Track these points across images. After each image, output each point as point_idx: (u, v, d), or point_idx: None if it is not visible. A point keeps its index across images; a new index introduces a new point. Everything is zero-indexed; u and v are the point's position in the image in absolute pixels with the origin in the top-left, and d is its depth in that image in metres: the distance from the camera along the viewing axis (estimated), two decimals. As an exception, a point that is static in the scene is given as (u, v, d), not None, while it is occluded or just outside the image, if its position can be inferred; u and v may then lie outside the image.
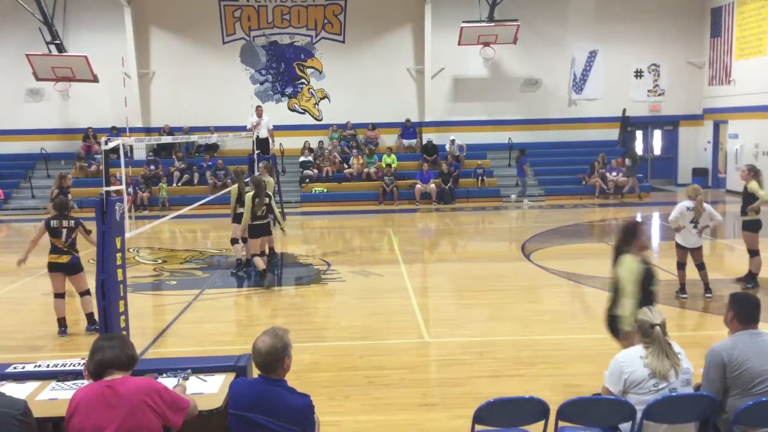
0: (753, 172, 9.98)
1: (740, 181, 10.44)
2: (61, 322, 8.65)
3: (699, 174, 24.11)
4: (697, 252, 9.54)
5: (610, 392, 4.39)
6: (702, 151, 24.55)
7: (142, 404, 3.55)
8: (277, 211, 11.99)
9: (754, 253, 10.11)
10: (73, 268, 8.56)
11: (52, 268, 8.54)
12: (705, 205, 9.37)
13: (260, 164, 13.35)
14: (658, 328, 4.32)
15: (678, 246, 9.63)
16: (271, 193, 12.24)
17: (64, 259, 8.48)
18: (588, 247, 14.65)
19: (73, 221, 8.52)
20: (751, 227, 10.08)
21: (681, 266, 9.71)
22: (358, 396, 6.47)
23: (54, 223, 8.48)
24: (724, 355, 4.31)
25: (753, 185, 9.90)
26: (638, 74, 24.45)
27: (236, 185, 11.56)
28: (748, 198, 9.97)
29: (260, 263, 11.04)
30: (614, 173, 21.91)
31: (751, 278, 10.18)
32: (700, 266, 9.61)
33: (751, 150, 21.30)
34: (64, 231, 8.47)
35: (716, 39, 23.41)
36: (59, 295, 8.63)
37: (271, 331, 3.95)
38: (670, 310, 9.08)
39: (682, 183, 24.24)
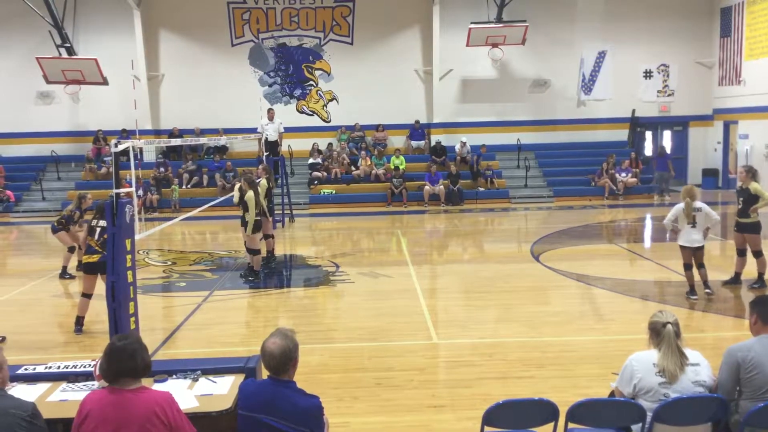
0: (751, 173, 10.04)
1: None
2: (80, 321, 8.79)
3: (709, 174, 24.00)
4: (699, 252, 9.57)
5: (621, 393, 4.38)
6: (712, 151, 24.44)
7: (154, 417, 3.53)
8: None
9: (758, 254, 10.12)
10: (104, 267, 8.63)
11: (86, 269, 8.79)
12: (700, 204, 9.50)
13: (259, 166, 13.38)
14: (669, 326, 4.30)
15: (681, 247, 9.69)
16: (262, 196, 12.23)
17: (95, 258, 8.64)
18: (597, 248, 14.59)
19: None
20: (753, 229, 10.08)
21: (687, 267, 9.72)
22: (367, 397, 6.47)
23: (93, 222, 8.78)
24: (739, 356, 4.30)
25: (755, 186, 9.92)
26: (647, 74, 24.36)
27: (251, 191, 11.49)
28: (751, 199, 9.95)
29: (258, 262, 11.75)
30: (624, 174, 21.83)
31: (759, 279, 10.18)
32: (700, 266, 9.65)
33: (762, 150, 21.18)
34: (98, 230, 8.67)
35: (726, 39, 23.30)
36: (87, 296, 8.81)
37: (280, 332, 3.95)
38: (678, 311, 9.04)
39: (692, 184, 24.12)
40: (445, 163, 22.59)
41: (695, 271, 9.68)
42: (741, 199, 10.11)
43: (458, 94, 24.26)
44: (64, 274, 11.96)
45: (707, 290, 9.69)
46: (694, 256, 9.60)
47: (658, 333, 4.34)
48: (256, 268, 11.72)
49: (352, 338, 8.39)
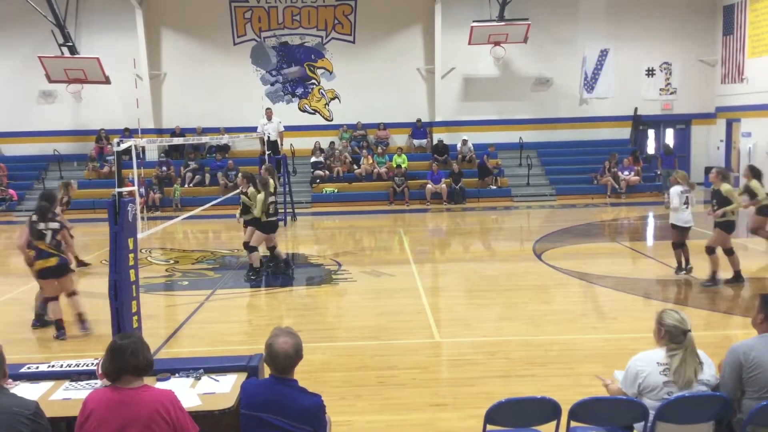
0: (721, 175, 10.30)
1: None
2: (60, 323, 8.58)
3: (759, 174, 23.86)
4: (688, 231, 10.64)
5: (624, 394, 4.37)
6: (715, 149, 24.38)
7: (157, 416, 3.54)
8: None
9: (711, 250, 10.24)
10: (63, 269, 8.57)
11: (44, 273, 8.55)
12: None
13: (263, 167, 13.45)
14: (691, 334, 4.25)
15: (676, 227, 10.63)
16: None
17: (53, 261, 8.50)
18: (599, 246, 14.58)
19: (57, 224, 8.61)
20: (726, 227, 10.15)
21: (678, 246, 10.77)
22: (369, 396, 6.47)
23: (41, 226, 8.53)
24: (741, 355, 4.27)
25: (726, 188, 10.10)
26: (650, 72, 24.32)
27: (252, 190, 11.57)
28: (723, 201, 10.06)
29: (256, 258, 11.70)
30: (626, 172, 21.80)
31: (737, 277, 10.28)
32: (684, 243, 10.74)
33: (764, 148, 21.13)
34: (50, 233, 8.52)
35: (728, 37, 23.25)
36: (54, 299, 8.63)
37: (285, 332, 3.96)
38: (681, 309, 9.03)
39: (695, 182, 24.06)
40: (447, 161, 22.59)
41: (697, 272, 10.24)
42: (714, 200, 10.26)
43: (460, 92, 24.23)
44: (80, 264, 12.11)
45: (689, 266, 10.77)
46: (684, 235, 10.64)
47: (674, 337, 4.26)
48: (255, 265, 11.72)
49: (355, 337, 8.39)
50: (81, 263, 12.47)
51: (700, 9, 23.88)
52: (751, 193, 11.06)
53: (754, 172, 11.20)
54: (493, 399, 4.27)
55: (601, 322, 8.91)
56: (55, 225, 8.60)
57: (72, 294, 8.71)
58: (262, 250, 12.15)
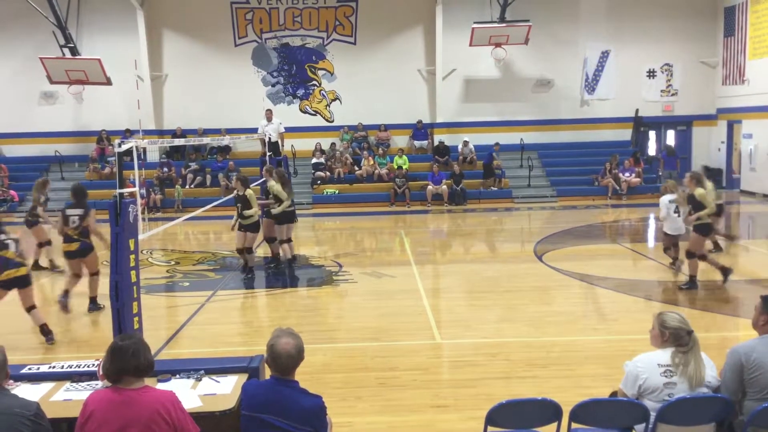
0: (695, 180, 10.31)
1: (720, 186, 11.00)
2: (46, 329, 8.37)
3: (713, 174, 23.92)
4: (682, 238, 10.85)
5: (625, 394, 4.37)
6: (716, 151, 24.38)
7: (158, 417, 3.54)
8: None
9: (691, 254, 10.22)
10: (26, 280, 8.33)
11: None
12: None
13: (264, 168, 13.56)
14: (695, 334, 4.26)
15: (667, 234, 11.04)
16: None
17: (22, 271, 8.26)
18: (600, 248, 14.57)
19: (11, 234, 8.40)
20: (701, 230, 10.14)
21: (668, 249, 11.24)
22: (370, 397, 6.47)
23: (1, 236, 8.19)
24: (742, 357, 4.27)
25: (700, 192, 10.10)
26: (651, 74, 24.32)
27: (251, 191, 11.76)
28: (698, 206, 10.06)
29: (287, 250, 12.31)
30: (627, 174, 21.80)
31: (690, 281, 10.23)
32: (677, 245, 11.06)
33: (766, 149, 21.13)
34: (11, 243, 8.21)
35: (730, 38, 23.26)
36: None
37: (286, 333, 3.96)
38: (681, 310, 9.03)
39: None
40: (448, 162, 22.59)
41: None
42: (690, 206, 10.25)
43: (461, 93, 24.24)
44: (53, 268, 12.11)
45: (680, 261, 11.07)
46: (675, 240, 11.04)
47: (680, 338, 4.27)
48: (288, 257, 12.20)
49: (356, 338, 8.39)
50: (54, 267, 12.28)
51: (701, 10, 23.89)
52: (695, 204, 11.29)
53: (696, 180, 11.59)
54: (494, 400, 4.27)
55: (602, 324, 8.92)
56: (14, 235, 8.33)
57: (31, 308, 8.36)
58: (262, 252, 12.21)
